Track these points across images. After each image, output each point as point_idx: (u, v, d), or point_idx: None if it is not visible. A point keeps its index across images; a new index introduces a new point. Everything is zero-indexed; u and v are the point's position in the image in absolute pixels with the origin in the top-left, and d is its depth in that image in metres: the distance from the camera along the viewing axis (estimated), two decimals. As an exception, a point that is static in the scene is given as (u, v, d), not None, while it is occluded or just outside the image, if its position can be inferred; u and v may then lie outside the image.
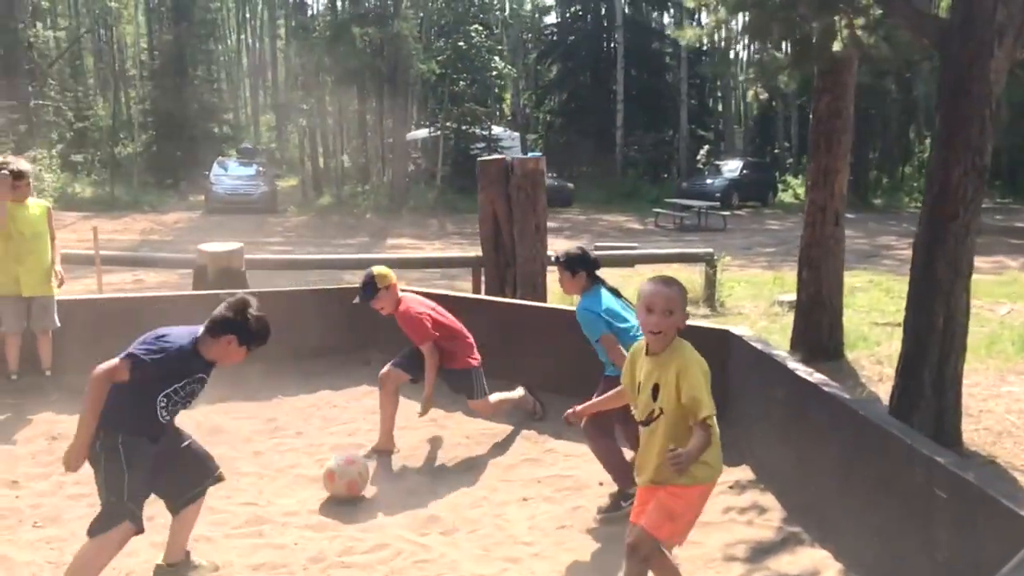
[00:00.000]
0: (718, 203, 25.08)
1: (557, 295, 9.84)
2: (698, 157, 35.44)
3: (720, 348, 4.99)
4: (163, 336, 3.43)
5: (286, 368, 6.36)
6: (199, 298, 6.39)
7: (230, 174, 26.78)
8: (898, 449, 3.41)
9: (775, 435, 4.58)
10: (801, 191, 30.03)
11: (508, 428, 5.62)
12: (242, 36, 43.64)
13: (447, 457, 5.24)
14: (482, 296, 7.78)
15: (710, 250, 9.90)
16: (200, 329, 3.47)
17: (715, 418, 3.02)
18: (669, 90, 36.51)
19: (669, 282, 3.14)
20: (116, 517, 3.29)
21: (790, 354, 6.98)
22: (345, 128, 32.87)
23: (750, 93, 8.02)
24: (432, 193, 27.60)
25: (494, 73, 28.96)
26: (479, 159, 8.42)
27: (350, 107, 28.90)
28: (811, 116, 6.73)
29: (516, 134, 33.90)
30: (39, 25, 30.02)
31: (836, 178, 6.60)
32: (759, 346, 4.80)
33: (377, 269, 5.17)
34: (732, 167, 30.65)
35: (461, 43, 27.99)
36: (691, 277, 10.04)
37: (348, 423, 5.75)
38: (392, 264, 11.53)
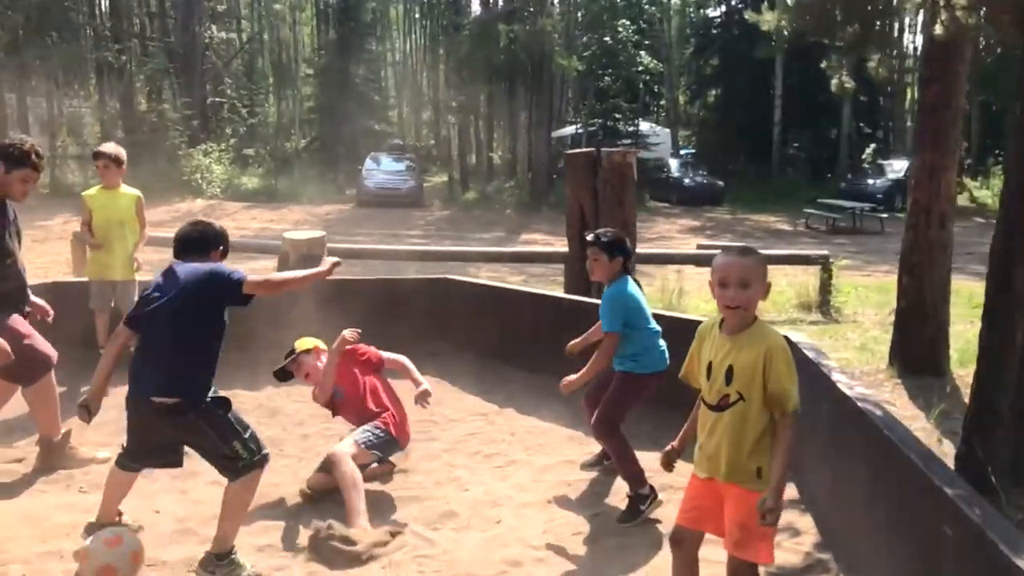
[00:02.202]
0: (879, 205, 23.53)
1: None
2: (863, 156, 33.42)
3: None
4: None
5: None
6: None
7: (382, 169, 27.80)
8: (917, 477, 3.03)
9: (818, 453, 4.20)
10: (979, 194, 27.72)
11: (556, 428, 5.47)
12: (399, 34, 45.09)
13: (486, 452, 5.16)
14: (536, 290, 7.57)
15: (825, 252, 9.27)
16: None
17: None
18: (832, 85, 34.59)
19: (744, 251, 2.90)
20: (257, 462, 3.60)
21: (885, 368, 6.46)
22: (495, 125, 33.31)
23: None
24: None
25: (640, 69, 28.44)
26: (565, 152, 8.25)
27: (498, 104, 29.22)
28: (917, 107, 6.13)
29: (666, 130, 33.23)
30: (214, 27, 32.21)
31: (943, 176, 5.98)
32: (811, 355, 4.42)
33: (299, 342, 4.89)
34: (898, 167, 28.64)
35: (607, 38, 27.66)
36: (807, 281, 9.47)
37: (400, 412, 5.77)
38: (479, 257, 11.61)
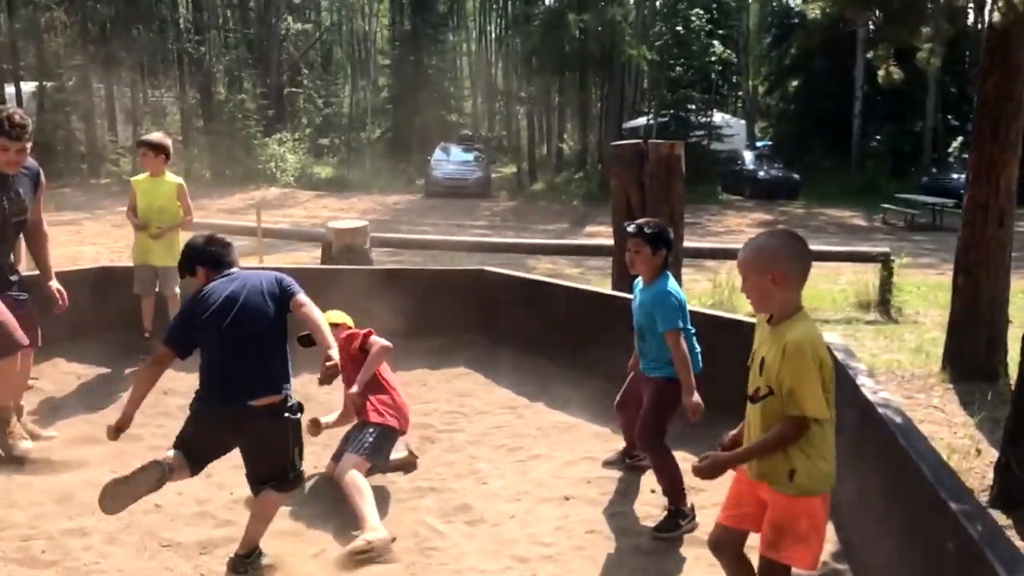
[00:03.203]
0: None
1: (688, 290, 9.35)
2: (949, 150, 32.06)
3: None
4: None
5: (395, 344, 6.49)
6: (321, 272, 6.70)
7: (451, 159, 27.98)
8: (926, 490, 2.89)
9: (841, 459, 4.04)
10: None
11: (584, 424, 5.41)
12: (475, 24, 45.20)
13: (510, 446, 5.13)
14: (572, 284, 7.48)
15: (886, 250, 8.92)
16: None
17: (828, 424, 2.65)
18: (916, 76, 33.25)
19: (749, 243, 2.77)
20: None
21: (938, 372, 6.18)
22: (566, 116, 33.15)
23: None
24: (644, 182, 27.15)
25: (713, 58, 27.86)
26: (612, 143, 8.13)
27: (569, 95, 29.06)
28: (976, 98, 5.82)
29: (741, 122, 32.55)
30: (291, 18, 32.85)
31: (1003, 171, 5.66)
32: (839, 356, 4.25)
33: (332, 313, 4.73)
34: (985, 161, 27.44)
35: (679, 28, 27.19)
36: (867, 279, 9.14)
37: (429, 402, 5.79)
38: (527, 249, 11.52)
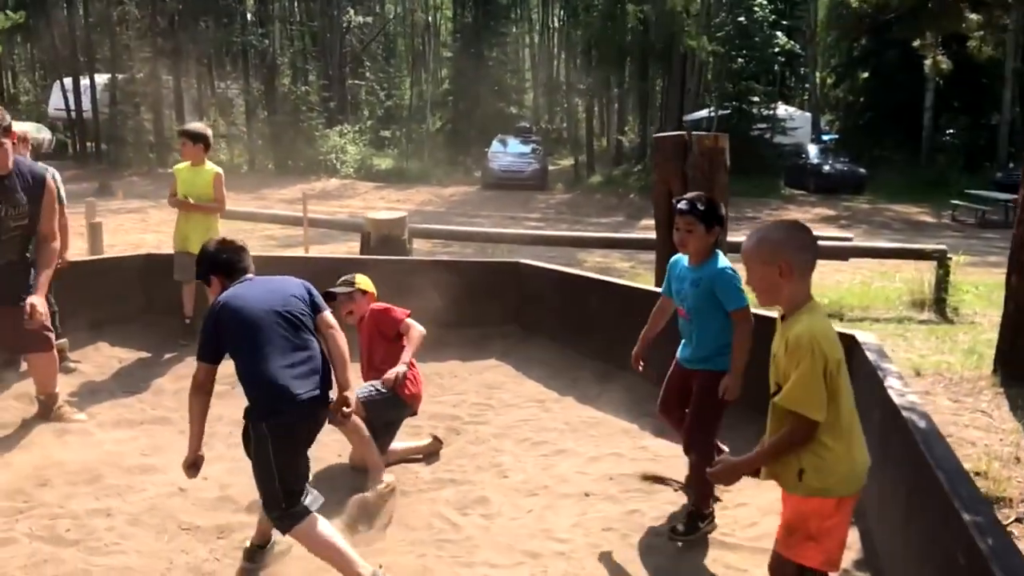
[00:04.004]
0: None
1: None
2: (1027, 144, 30.82)
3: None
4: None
5: (429, 334, 6.50)
6: (359, 262, 6.73)
7: (508, 151, 27.99)
8: (943, 499, 2.76)
9: (873, 463, 3.90)
10: None
11: (612, 419, 5.33)
12: (538, 16, 45.06)
13: (535, 440, 5.08)
14: (607, 278, 7.35)
15: (942, 247, 8.59)
16: None
17: (846, 422, 2.54)
18: (992, 67, 31.98)
19: (753, 234, 2.65)
20: None
21: (989, 375, 5.92)
22: (625, 108, 32.80)
23: None
24: (703, 175, 26.71)
25: (776, 50, 27.24)
26: (655, 135, 7.99)
27: (628, 87, 28.74)
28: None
29: (806, 115, 31.79)
30: (352, 11, 33.21)
31: (1061, 166, 5.38)
32: (871, 356, 4.10)
33: (360, 276, 4.79)
34: (1065, 156, 26.32)
35: (742, 18, 26.63)
36: (922, 277, 8.83)
37: (459, 394, 5.79)
38: (569, 242, 11.36)
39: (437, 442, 4.83)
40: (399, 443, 4.72)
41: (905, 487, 3.25)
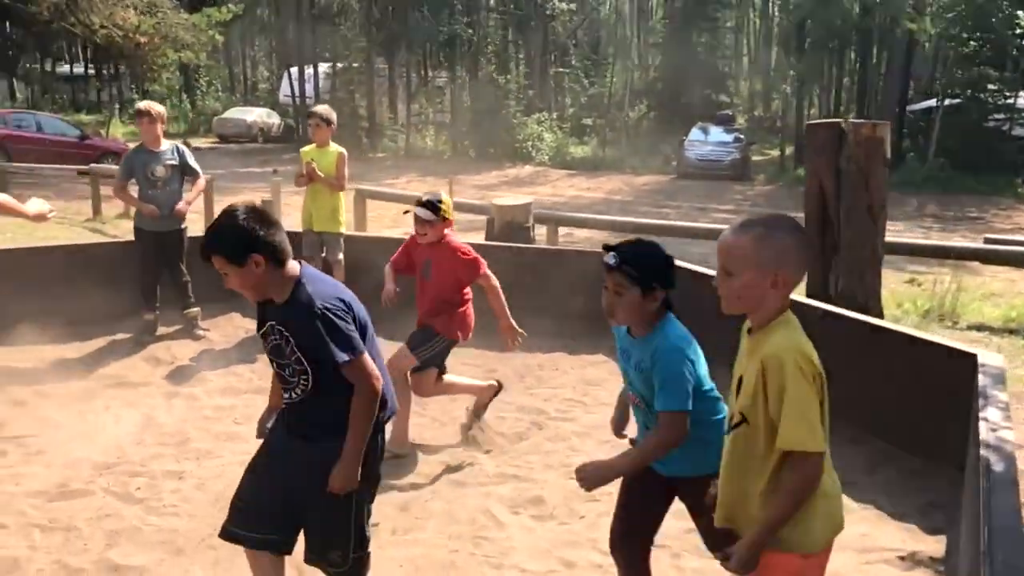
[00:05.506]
0: None
1: (892, 292, 8.21)
2: None
3: (959, 375, 3.82)
4: None
5: (543, 323, 6.34)
6: (479, 248, 6.69)
7: (708, 140, 27.06)
8: (993, 559, 2.29)
9: (967, 508, 3.34)
10: None
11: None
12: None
13: (617, 443, 4.77)
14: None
15: None
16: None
17: (823, 456, 2.07)
18: None
19: (740, 229, 2.13)
20: None
21: None
22: (841, 96, 30.70)
23: None
24: (923, 169, 24.47)
25: (1018, 31, 24.21)
26: (808, 123, 7.31)
27: (842, 73, 26.84)
28: None
29: (1055, 105, 28.17)
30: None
31: None
32: (983, 381, 3.51)
33: (447, 196, 4.62)
34: None
35: (977, -2, 23.94)
36: None
37: (555, 388, 5.62)
38: (704, 234, 10.65)
39: (497, 385, 4.80)
40: (460, 378, 4.84)
41: (968, 536, 2.74)
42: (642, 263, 2.58)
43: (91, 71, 42.73)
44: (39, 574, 3.38)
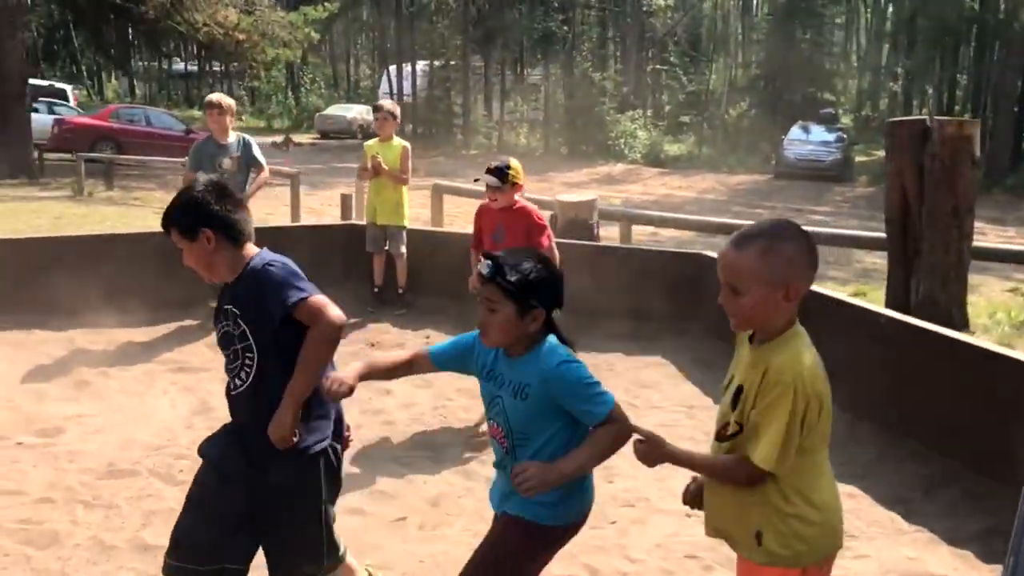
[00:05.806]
0: None
1: (989, 301, 7.69)
2: None
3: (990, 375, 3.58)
4: None
5: (599, 323, 6.25)
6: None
7: (809, 139, 26.20)
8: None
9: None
10: None
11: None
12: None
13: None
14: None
15: None
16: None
17: (800, 481, 1.99)
18: None
19: (742, 242, 1.99)
20: None
21: None
22: (956, 94, 29.20)
23: None
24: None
25: None
26: (887, 120, 6.93)
27: (955, 69, 25.53)
28: None
29: None
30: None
31: None
32: None
33: (515, 162, 4.67)
34: None
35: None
36: None
37: (608, 390, 5.46)
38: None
39: None
40: None
41: None
42: (522, 276, 2.21)
43: (205, 68, 44.66)
44: (75, 549, 3.49)
